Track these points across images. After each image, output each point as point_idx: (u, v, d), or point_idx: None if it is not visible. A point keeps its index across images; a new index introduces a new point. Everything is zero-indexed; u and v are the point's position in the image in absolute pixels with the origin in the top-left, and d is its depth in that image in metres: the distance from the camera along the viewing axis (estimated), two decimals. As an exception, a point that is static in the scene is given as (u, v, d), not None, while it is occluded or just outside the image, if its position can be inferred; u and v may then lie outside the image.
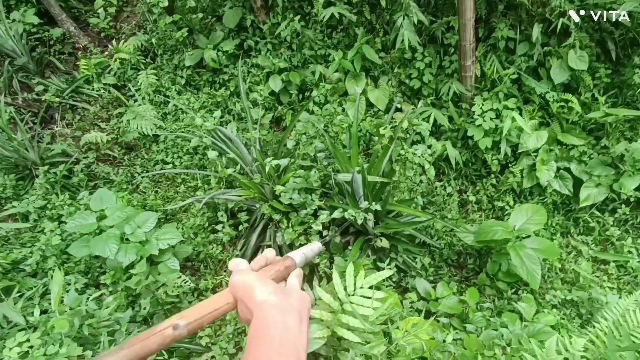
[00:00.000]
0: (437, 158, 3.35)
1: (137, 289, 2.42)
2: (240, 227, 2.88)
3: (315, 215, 2.54)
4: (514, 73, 3.25)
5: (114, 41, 4.70)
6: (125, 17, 4.99)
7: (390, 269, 2.06)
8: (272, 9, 3.87)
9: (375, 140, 3.49)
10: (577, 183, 3.18)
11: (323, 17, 3.40)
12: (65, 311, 1.91)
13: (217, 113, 2.93)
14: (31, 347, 1.78)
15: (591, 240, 3.18)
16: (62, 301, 1.96)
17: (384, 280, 2.52)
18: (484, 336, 2.24)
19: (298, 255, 0.78)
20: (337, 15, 3.39)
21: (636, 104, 3.17)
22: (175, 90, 4.24)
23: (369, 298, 1.78)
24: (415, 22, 3.01)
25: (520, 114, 3.19)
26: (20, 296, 2.43)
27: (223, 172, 2.73)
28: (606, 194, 3.08)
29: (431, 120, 3.35)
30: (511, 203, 3.36)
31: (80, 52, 4.66)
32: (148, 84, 4.23)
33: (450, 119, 3.49)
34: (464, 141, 3.52)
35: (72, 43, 4.71)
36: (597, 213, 3.22)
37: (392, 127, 2.53)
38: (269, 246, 2.90)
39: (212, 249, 3.02)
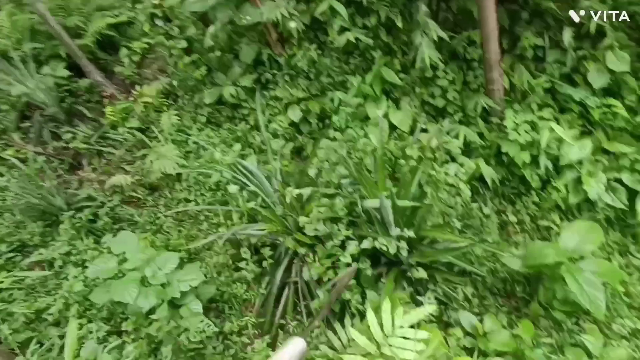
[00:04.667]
0: (470, 178, 3.12)
1: (158, 336, 2.27)
2: (265, 264, 2.72)
3: (343, 246, 2.36)
4: (546, 81, 3.04)
5: (137, 86, 4.85)
6: (149, 63, 5.17)
7: (431, 303, 1.84)
8: (287, 42, 3.88)
9: (402, 164, 3.31)
10: (632, 195, 2.88)
11: (339, 44, 3.35)
12: (81, 365, 1.78)
13: (237, 146, 2.86)
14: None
15: (657, 258, 2.82)
16: (77, 355, 1.84)
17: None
18: (548, 378, 1.94)
19: None
20: (353, 40, 3.33)
21: (689, 103, 2.88)
22: (197, 128, 4.26)
23: (411, 339, 1.55)
24: (435, 39, 2.89)
25: (558, 124, 2.95)
26: (40, 346, 2.33)
27: (244, 206, 2.62)
28: (668, 204, 2.75)
29: (461, 138, 3.15)
30: (557, 221, 3.06)
31: (106, 100, 4.82)
32: (170, 125, 4.29)
33: (481, 135, 3.28)
34: (498, 158, 3.29)
35: (98, 91, 4.88)
36: (660, 226, 2.88)
37: (419, 147, 2.37)
38: (295, 283, 2.71)
39: (236, 288, 2.85)
